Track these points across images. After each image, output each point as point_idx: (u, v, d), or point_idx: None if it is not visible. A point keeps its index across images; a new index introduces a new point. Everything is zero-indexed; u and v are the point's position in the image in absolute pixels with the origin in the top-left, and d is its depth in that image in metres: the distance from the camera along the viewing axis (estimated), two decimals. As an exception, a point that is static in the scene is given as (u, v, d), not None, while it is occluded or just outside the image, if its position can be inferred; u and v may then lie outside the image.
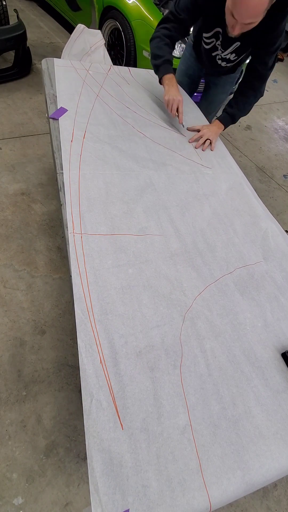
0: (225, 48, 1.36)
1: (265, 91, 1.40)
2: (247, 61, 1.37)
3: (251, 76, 1.33)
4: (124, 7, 2.56)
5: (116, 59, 2.92)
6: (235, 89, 1.43)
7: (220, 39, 1.33)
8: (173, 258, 0.93)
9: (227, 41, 1.31)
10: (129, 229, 0.96)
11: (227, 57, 1.41)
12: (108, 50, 1.74)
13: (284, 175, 2.91)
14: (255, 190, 1.28)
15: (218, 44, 1.37)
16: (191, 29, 1.42)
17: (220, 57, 1.44)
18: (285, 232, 1.13)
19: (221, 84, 1.74)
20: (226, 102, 1.59)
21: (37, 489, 1.08)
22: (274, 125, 3.58)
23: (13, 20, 2.61)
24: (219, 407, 0.70)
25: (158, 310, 0.81)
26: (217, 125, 1.42)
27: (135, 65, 2.76)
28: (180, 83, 1.72)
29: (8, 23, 2.68)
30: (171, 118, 1.43)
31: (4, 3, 2.61)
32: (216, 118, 1.44)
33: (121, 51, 2.76)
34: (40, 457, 1.14)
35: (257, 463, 0.64)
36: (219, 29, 1.29)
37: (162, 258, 0.92)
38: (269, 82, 4.34)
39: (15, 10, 2.71)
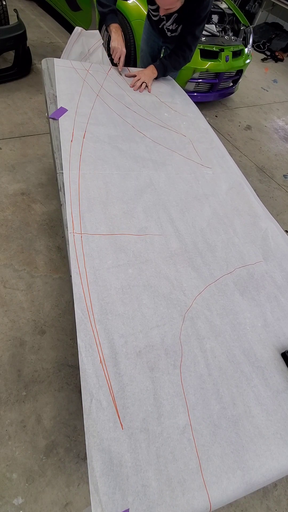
0: (167, 18, 1.58)
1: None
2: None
3: (181, 43, 1.57)
4: (124, 7, 2.56)
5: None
6: None
7: None
8: (173, 258, 0.93)
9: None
10: (129, 229, 0.96)
11: (171, 27, 1.61)
12: (108, 50, 1.74)
13: (284, 175, 2.91)
14: (255, 190, 1.28)
15: (163, 16, 1.56)
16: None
17: (166, 27, 1.64)
18: (285, 232, 1.13)
19: None
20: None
21: (37, 489, 1.08)
22: (274, 125, 3.58)
23: (13, 20, 2.61)
24: (219, 407, 0.70)
25: (158, 310, 0.81)
26: (151, 70, 1.60)
27: (135, 65, 2.76)
28: (142, 50, 2.02)
29: (8, 23, 2.68)
30: (113, 63, 1.60)
31: (4, 3, 2.61)
32: (152, 64, 1.62)
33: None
34: (40, 457, 1.14)
35: (257, 463, 0.64)
36: None
37: (162, 258, 0.92)
38: (269, 82, 4.36)
39: (15, 10, 2.71)
